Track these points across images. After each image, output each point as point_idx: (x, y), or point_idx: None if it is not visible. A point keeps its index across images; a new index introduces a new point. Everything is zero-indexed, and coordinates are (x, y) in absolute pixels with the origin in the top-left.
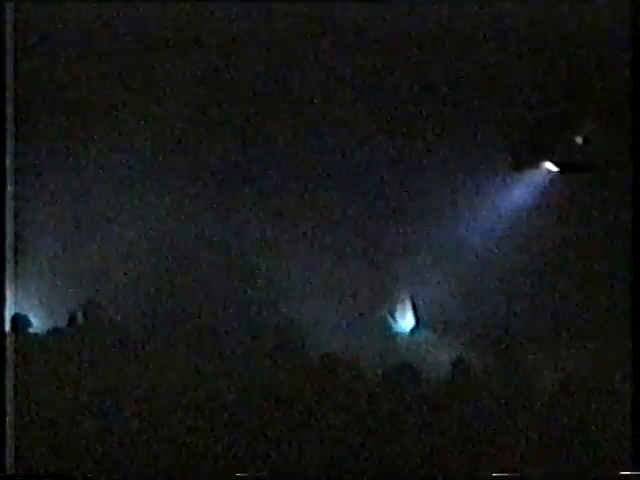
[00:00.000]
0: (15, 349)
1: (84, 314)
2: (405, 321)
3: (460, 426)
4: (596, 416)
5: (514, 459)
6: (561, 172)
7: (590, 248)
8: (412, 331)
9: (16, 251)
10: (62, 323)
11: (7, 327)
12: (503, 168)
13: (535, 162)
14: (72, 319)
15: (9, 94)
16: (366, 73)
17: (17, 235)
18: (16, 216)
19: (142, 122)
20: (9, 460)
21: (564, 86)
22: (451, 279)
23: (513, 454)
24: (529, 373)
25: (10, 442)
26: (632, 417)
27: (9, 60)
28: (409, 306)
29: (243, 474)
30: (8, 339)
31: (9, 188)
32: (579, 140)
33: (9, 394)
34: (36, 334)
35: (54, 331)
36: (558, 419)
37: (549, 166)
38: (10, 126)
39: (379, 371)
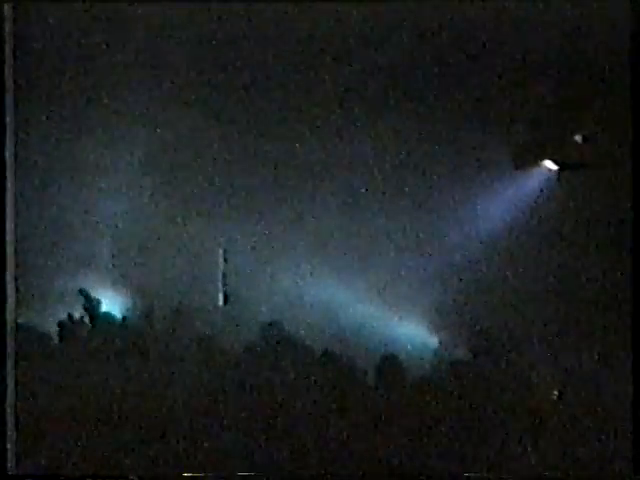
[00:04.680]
0: (15, 349)
1: (85, 310)
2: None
3: (455, 424)
4: (596, 417)
5: (512, 460)
6: (561, 170)
7: (590, 247)
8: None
9: (16, 250)
10: (63, 320)
11: (7, 327)
12: (502, 166)
13: (535, 160)
14: (70, 316)
15: (9, 94)
16: (365, 73)
17: (17, 234)
18: (16, 215)
19: (143, 122)
20: (9, 460)
21: (564, 84)
22: (448, 277)
23: (510, 456)
24: (526, 372)
25: (10, 442)
26: (632, 417)
27: (9, 60)
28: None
29: (243, 473)
30: (8, 339)
31: (9, 188)
32: (579, 138)
33: (9, 394)
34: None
35: (55, 329)
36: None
37: (549, 164)
38: (10, 126)
39: None
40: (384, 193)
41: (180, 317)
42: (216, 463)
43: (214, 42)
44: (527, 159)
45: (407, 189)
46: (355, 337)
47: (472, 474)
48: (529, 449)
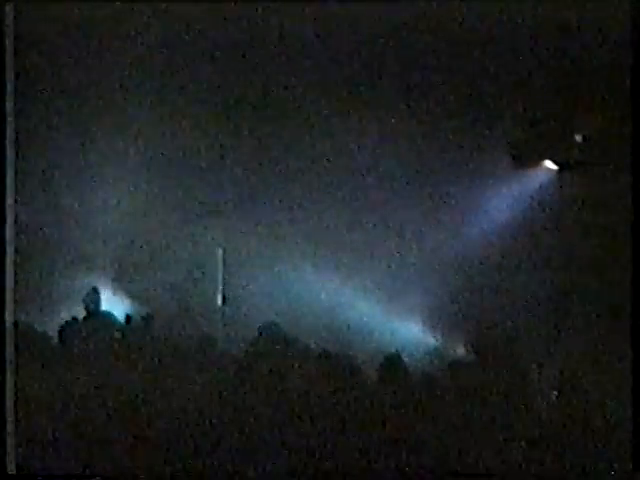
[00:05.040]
0: (15, 348)
1: (86, 309)
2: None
3: (456, 423)
4: (595, 417)
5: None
6: (561, 170)
7: (589, 247)
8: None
9: (16, 248)
10: (63, 319)
11: (7, 327)
12: (503, 166)
13: (535, 160)
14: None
15: (9, 93)
16: (367, 72)
17: (17, 235)
18: (16, 215)
19: (144, 123)
20: (9, 460)
21: (564, 84)
22: (448, 277)
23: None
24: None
25: (10, 442)
26: (632, 417)
27: (9, 60)
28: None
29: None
30: (8, 339)
31: (9, 187)
32: (579, 138)
33: (9, 394)
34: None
35: (55, 330)
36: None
37: (549, 164)
38: (10, 126)
39: None
40: (384, 194)
41: (179, 317)
42: (216, 462)
43: (217, 44)
44: (527, 159)
45: (407, 190)
46: (355, 337)
47: (473, 472)
48: (529, 447)
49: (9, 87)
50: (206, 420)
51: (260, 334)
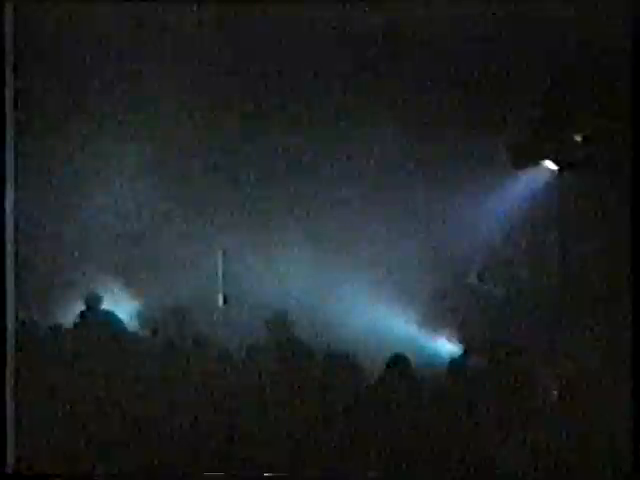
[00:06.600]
0: (16, 347)
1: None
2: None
3: (458, 426)
4: (596, 417)
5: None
6: (561, 170)
7: (590, 246)
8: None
9: (17, 246)
10: (64, 320)
11: (8, 325)
12: (503, 167)
13: (535, 160)
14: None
15: (9, 94)
16: (366, 73)
17: (17, 230)
18: (16, 210)
19: (141, 122)
20: (9, 460)
21: (564, 85)
22: (448, 277)
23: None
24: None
25: (10, 442)
26: (632, 417)
27: (9, 60)
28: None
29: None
30: (8, 337)
31: (9, 187)
32: (579, 138)
33: (10, 393)
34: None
35: (56, 328)
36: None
37: (549, 164)
38: (10, 126)
39: None
40: (384, 194)
41: (180, 317)
42: (217, 463)
43: (217, 44)
44: (527, 159)
45: (407, 190)
46: (357, 337)
47: (474, 473)
48: (530, 447)
49: (9, 86)
50: (207, 420)
51: (261, 334)
